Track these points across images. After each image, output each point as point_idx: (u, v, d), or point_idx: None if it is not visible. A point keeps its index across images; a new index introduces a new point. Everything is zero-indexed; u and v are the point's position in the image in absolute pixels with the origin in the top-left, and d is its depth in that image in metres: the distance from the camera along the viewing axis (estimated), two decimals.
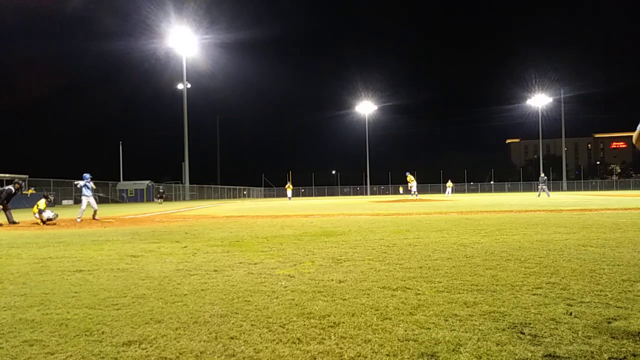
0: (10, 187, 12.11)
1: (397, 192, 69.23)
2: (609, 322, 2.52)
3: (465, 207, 16.58)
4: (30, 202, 25.94)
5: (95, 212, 12.96)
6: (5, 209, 11.87)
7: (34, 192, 30.90)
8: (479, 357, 2.08)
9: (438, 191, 68.84)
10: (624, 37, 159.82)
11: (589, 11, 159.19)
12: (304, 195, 78.93)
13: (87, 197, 12.77)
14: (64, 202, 33.43)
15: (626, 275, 3.72)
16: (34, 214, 11.51)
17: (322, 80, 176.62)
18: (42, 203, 11.48)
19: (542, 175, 32.86)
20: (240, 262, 4.79)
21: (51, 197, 12.05)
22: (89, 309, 3.03)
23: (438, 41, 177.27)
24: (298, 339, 2.37)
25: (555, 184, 73.46)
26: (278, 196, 72.65)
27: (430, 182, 78.08)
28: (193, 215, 14.79)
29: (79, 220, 12.29)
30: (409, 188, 29.94)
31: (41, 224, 11.24)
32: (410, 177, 29.26)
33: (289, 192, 44.16)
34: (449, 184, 44.08)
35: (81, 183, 12.90)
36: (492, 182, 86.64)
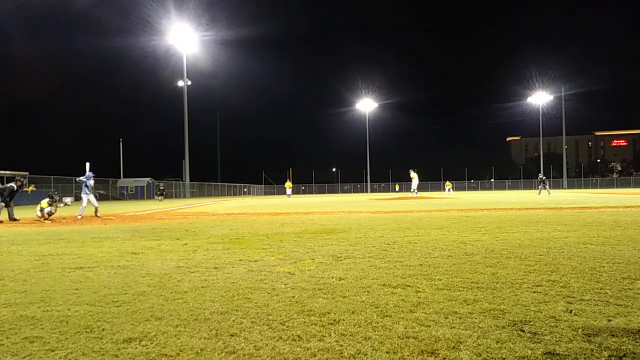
0: (12, 184, 12.14)
1: (393, 190, 69.24)
2: (609, 320, 2.53)
3: (466, 204, 16.57)
4: (31, 199, 25.95)
5: (96, 209, 12.99)
6: (7, 206, 11.91)
7: (35, 189, 30.91)
8: (479, 354, 2.09)
9: (438, 189, 68.81)
10: (626, 33, 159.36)
11: (591, 7, 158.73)
12: (304, 192, 78.92)
13: (87, 195, 12.80)
14: (65, 199, 33.50)
15: (626, 273, 3.72)
16: (36, 212, 11.58)
17: (322, 77, 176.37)
18: (44, 202, 11.54)
19: (540, 175, 33.12)
20: (241, 260, 4.80)
21: (56, 197, 12.09)
22: (90, 306, 3.04)
23: (438, 38, 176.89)
24: (298, 336, 2.37)
25: (555, 182, 73.37)
26: (278, 194, 72.64)
27: (431, 179, 78.06)
28: (193, 213, 14.80)
29: (79, 217, 12.31)
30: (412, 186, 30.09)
31: (43, 221, 11.27)
32: (413, 175, 29.33)
33: (289, 190, 44.21)
34: (448, 184, 44.95)
35: (82, 179, 12.94)
36: (492, 180, 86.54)
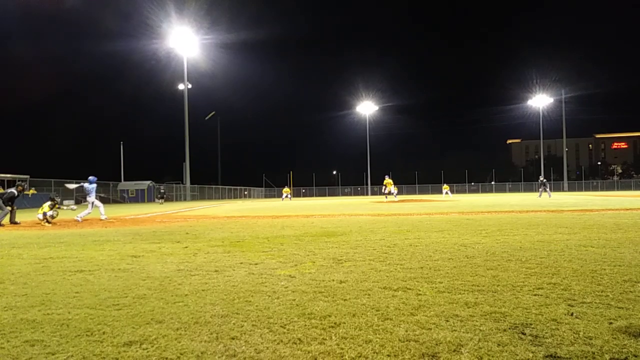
0: (13, 189, 12.19)
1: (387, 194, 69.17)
2: (610, 323, 2.52)
3: (466, 207, 16.56)
4: (32, 202, 25.96)
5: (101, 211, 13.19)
6: (11, 211, 11.96)
7: (35, 192, 30.93)
8: (480, 357, 2.08)
9: (439, 191, 68.80)
10: (626, 36, 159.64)
11: (591, 10, 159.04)
12: (304, 195, 78.94)
13: (90, 200, 12.96)
14: (69, 203, 33.64)
15: (627, 275, 3.71)
16: (38, 215, 11.62)
17: (323, 80, 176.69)
18: (46, 206, 11.59)
19: (541, 178, 33.20)
20: (241, 263, 4.80)
21: (58, 199, 12.14)
22: (90, 309, 3.04)
23: (439, 41, 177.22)
24: (299, 339, 2.37)
25: (556, 185, 73.29)
26: (279, 196, 72.59)
27: (432, 182, 78.10)
28: (194, 216, 14.80)
29: (79, 220, 12.32)
30: (388, 191, 30.64)
31: (45, 224, 11.30)
32: (388, 180, 30.26)
33: (285, 194, 44.44)
34: (445, 187, 45.29)
35: (75, 186, 13.13)
36: (493, 183, 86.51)
